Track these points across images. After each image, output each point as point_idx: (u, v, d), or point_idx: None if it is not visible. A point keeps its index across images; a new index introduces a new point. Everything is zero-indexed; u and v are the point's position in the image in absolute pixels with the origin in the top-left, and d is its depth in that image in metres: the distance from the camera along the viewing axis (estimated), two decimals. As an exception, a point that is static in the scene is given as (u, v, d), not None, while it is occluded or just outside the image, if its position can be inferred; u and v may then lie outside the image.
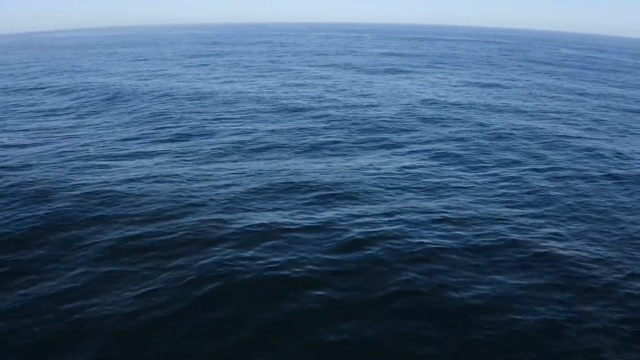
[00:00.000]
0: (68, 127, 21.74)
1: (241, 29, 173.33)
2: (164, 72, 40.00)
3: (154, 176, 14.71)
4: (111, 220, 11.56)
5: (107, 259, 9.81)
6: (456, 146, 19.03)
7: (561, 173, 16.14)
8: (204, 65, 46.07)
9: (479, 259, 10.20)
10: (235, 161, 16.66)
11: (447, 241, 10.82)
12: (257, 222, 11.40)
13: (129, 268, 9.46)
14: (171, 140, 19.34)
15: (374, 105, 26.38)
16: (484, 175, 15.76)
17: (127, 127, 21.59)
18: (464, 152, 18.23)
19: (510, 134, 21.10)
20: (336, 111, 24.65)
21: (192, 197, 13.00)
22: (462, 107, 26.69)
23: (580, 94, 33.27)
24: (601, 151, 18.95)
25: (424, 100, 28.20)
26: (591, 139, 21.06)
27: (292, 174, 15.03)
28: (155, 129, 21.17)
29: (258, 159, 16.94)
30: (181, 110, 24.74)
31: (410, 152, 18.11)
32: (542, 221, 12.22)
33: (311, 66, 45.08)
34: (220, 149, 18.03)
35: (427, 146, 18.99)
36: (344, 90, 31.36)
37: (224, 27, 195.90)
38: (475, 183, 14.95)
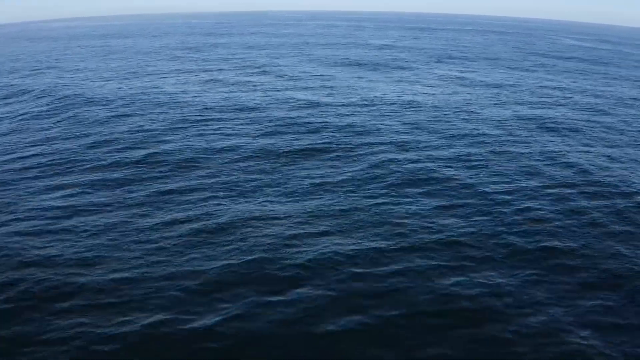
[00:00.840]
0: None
1: (239, 17, 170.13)
2: (135, 72, 36.64)
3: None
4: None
5: None
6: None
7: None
8: (192, 59, 43.76)
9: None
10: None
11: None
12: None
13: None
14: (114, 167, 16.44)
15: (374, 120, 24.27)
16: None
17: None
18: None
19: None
20: (335, 128, 22.65)
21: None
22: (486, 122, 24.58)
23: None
24: None
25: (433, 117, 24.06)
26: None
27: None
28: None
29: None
30: (131, 129, 20.51)
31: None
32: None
33: (310, 62, 42.90)
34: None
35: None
36: (347, 97, 28.96)
37: (222, 16, 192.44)
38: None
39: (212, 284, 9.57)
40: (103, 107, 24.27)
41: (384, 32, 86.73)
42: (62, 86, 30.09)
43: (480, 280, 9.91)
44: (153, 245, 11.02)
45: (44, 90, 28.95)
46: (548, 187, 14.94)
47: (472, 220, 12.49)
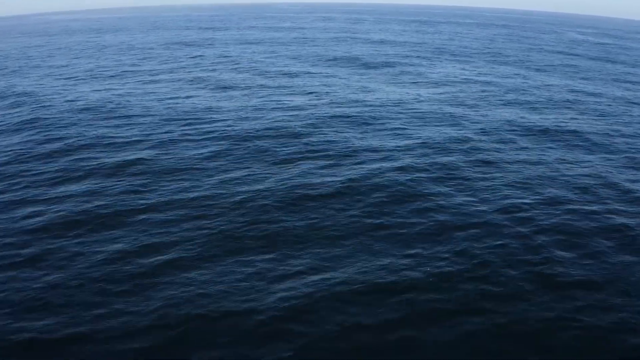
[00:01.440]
0: None
1: (237, 10, 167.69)
2: (109, 72, 34.30)
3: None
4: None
5: None
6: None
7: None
8: (183, 57, 42.16)
9: None
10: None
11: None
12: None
13: None
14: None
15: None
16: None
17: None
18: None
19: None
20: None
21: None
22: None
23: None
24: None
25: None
26: None
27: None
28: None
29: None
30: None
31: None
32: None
33: (306, 60, 41.37)
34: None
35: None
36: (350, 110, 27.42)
37: (220, 9, 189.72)
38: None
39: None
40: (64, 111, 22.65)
41: (384, 25, 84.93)
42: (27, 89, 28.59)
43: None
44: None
45: (20, 93, 27.31)
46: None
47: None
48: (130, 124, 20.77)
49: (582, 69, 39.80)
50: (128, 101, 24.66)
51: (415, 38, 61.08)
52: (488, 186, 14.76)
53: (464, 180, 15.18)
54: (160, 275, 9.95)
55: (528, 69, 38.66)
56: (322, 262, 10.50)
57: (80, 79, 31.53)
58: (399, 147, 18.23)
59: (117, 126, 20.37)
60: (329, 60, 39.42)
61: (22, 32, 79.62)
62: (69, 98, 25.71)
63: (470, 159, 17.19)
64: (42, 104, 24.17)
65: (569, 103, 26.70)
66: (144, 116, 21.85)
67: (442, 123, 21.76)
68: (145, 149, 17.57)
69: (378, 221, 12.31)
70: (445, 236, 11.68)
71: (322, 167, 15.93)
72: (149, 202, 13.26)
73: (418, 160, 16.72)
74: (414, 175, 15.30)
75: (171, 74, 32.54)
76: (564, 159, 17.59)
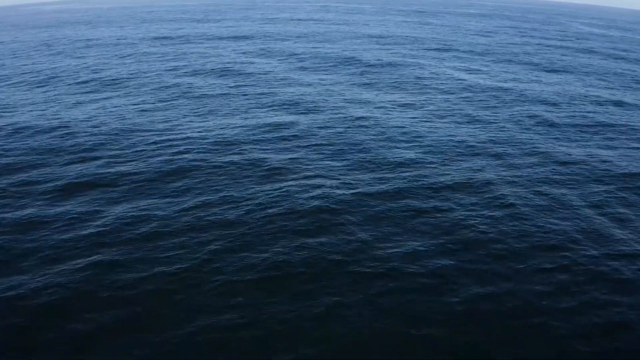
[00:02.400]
0: None
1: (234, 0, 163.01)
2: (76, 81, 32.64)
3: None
4: None
5: None
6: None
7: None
8: (159, 58, 39.17)
9: None
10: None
11: None
12: None
13: None
14: None
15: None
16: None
17: None
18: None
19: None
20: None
21: None
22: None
23: None
24: None
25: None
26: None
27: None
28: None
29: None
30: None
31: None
32: None
33: (298, 62, 38.41)
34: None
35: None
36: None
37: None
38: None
39: None
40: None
41: (383, 17, 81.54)
42: None
43: None
44: None
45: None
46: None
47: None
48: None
49: (598, 69, 36.81)
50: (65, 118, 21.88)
51: (417, 32, 57.95)
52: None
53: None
54: None
55: (543, 69, 35.73)
56: None
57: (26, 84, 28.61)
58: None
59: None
60: (322, 62, 36.29)
61: (14, 24, 76.18)
62: None
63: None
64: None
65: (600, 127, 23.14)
66: (90, 134, 19.14)
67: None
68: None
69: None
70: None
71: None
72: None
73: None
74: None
75: (138, 80, 29.36)
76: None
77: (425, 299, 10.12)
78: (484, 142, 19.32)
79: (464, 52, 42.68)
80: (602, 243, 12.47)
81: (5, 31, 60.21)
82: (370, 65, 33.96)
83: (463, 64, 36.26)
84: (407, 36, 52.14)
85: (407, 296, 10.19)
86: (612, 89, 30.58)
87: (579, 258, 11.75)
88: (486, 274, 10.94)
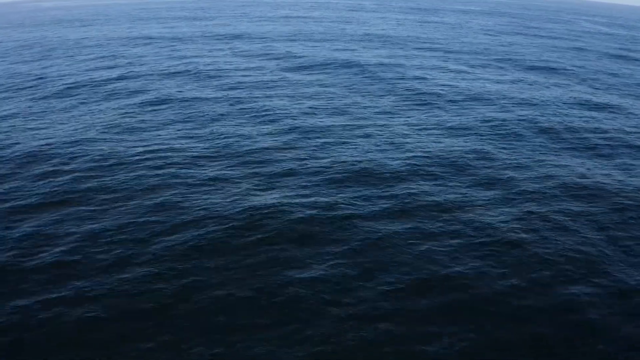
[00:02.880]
0: None
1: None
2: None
3: None
4: None
5: None
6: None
7: None
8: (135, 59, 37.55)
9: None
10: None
11: None
12: None
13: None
14: None
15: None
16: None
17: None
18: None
19: None
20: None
21: None
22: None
23: None
24: None
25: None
26: None
27: None
28: None
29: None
30: None
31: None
32: None
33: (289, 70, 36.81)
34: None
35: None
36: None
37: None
38: None
39: None
40: None
41: (384, 14, 79.78)
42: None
43: None
44: None
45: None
46: None
47: None
48: None
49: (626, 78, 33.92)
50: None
51: (418, 31, 56.26)
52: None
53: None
54: None
55: (568, 79, 33.71)
56: None
57: None
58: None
59: None
60: (313, 72, 34.11)
61: (10, 21, 74.37)
62: None
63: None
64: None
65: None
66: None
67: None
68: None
69: None
70: None
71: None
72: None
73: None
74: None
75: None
76: None
77: None
78: (495, 163, 17.80)
79: (467, 53, 41.10)
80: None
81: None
82: (367, 68, 32.37)
83: (463, 67, 34.68)
84: (411, 37, 50.49)
85: None
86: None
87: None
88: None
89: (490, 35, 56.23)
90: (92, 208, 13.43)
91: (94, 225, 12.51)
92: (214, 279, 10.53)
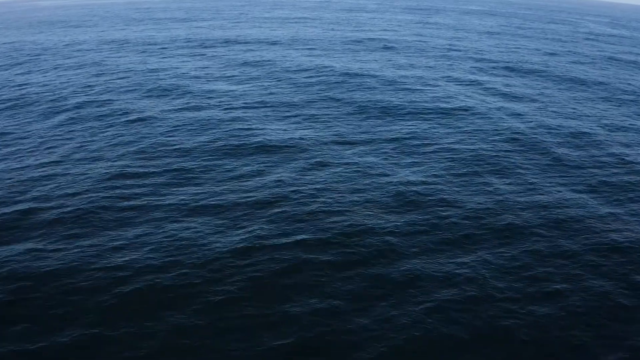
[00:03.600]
0: None
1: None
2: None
3: None
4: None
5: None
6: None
7: None
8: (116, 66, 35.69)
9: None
10: None
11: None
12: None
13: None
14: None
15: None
16: None
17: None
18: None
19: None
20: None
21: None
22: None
23: None
24: None
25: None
26: None
27: None
28: None
29: None
30: None
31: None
32: None
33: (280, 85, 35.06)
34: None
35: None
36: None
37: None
38: None
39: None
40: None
41: (385, 15, 77.89)
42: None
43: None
44: None
45: None
46: None
47: None
48: None
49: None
50: None
51: (420, 35, 54.35)
52: None
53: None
54: None
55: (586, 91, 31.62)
56: None
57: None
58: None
59: None
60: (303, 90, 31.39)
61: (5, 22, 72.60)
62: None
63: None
64: None
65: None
66: None
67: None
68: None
69: None
70: None
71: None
72: None
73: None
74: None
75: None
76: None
77: None
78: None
79: (473, 59, 39.28)
80: None
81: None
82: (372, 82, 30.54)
83: (470, 76, 32.88)
84: (413, 43, 48.62)
85: None
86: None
87: None
88: None
89: (496, 38, 54.32)
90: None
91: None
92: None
